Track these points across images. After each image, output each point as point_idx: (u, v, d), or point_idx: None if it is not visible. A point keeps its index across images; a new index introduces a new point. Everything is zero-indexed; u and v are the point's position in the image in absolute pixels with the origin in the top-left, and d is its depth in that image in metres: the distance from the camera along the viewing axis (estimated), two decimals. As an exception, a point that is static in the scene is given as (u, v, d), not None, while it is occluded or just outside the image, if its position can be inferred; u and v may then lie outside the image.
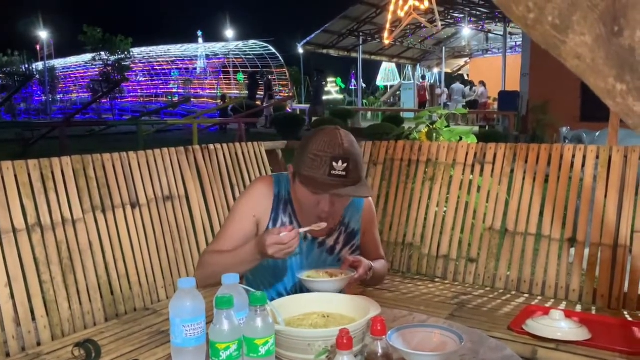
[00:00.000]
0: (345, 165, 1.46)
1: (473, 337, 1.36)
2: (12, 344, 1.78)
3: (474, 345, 1.31)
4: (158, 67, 34.92)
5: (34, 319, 1.86)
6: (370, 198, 1.79)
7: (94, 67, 28.45)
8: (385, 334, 1.15)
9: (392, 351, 1.15)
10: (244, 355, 1.05)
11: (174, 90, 33.11)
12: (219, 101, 21.51)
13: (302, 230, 1.47)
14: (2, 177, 1.87)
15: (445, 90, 22.55)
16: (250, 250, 1.48)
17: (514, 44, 21.67)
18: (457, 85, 21.08)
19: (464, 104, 18.41)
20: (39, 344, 1.85)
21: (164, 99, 30.86)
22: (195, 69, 33.53)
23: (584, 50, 0.52)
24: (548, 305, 2.20)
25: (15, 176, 1.91)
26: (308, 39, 20.82)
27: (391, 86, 31.61)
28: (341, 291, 1.55)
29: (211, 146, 2.70)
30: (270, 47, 31.35)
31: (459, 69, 30.17)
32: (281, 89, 29.36)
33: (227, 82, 32.31)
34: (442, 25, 18.87)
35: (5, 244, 1.82)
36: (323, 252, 1.69)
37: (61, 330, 1.92)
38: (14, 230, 1.86)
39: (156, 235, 2.32)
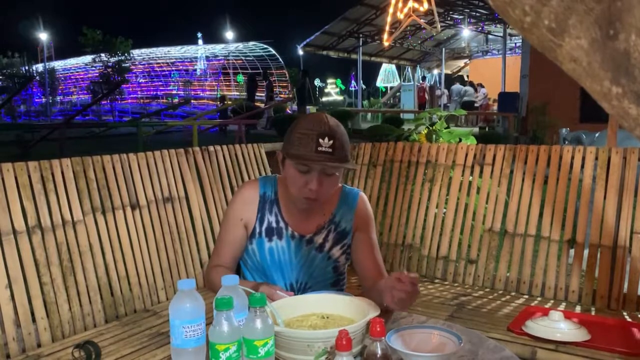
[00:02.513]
0: (331, 142, 1.51)
1: (472, 338, 1.36)
2: (12, 346, 1.78)
3: (472, 346, 1.31)
4: (158, 69, 34.96)
5: (34, 320, 1.86)
6: (367, 202, 1.78)
7: (93, 68, 28.46)
8: (385, 335, 1.15)
9: (391, 352, 1.16)
10: (243, 357, 1.05)
11: (174, 92, 33.14)
12: (218, 102, 21.51)
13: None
14: (3, 179, 1.87)
15: (445, 91, 22.55)
16: (247, 285, 1.50)
17: (513, 45, 21.71)
18: (457, 87, 21.07)
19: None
20: (39, 346, 1.85)
21: (164, 100, 30.88)
22: (195, 70, 33.56)
23: (579, 54, 0.53)
24: (547, 306, 2.20)
25: (16, 178, 1.91)
26: (308, 40, 20.85)
27: (391, 87, 31.65)
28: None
29: (211, 148, 2.70)
30: (270, 49, 31.40)
31: (459, 70, 30.20)
32: (281, 90, 29.38)
33: (227, 83, 32.33)
34: (441, 26, 18.89)
35: (6, 246, 1.82)
36: (312, 249, 1.70)
37: (61, 331, 1.92)
38: (14, 232, 1.86)
39: (156, 236, 2.32)
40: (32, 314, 1.86)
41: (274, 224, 1.69)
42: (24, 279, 1.86)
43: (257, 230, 1.68)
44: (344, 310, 1.35)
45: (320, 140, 1.50)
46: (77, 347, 1.78)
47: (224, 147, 2.78)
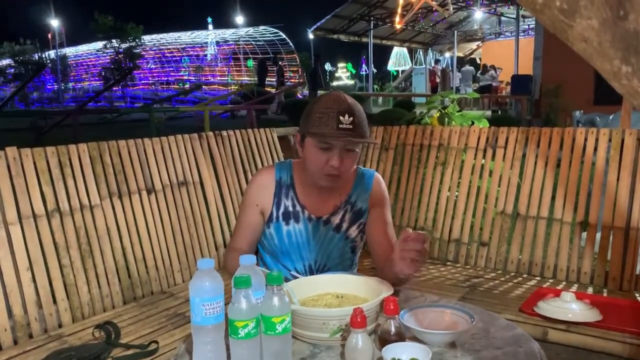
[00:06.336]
0: (351, 119, 1.55)
1: (484, 316, 1.38)
2: (35, 326, 1.83)
3: (484, 324, 1.34)
4: (169, 55, 34.98)
5: (55, 301, 1.91)
6: (382, 182, 1.80)
7: (105, 54, 28.52)
8: (398, 313, 1.18)
9: (404, 330, 1.18)
10: (261, 333, 1.09)
11: (185, 78, 33.16)
12: (231, 88, 21.50)
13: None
14: (22, 164, 1.91)
15: (459, 74, 22.32)
16: None
17: (526, 27, 21.42)
18: (465, 69, 20.75)
19: (473, 88, 18.24)
20: (60, 326, 1.90)
21: (175, 86, 30.94)
22: (205, 55, 33.52)
23: (590, 34, 0.54)
24: (559, 287, 2.21)
25: (34, 163, 1.95)
26: (318, 24, 20.72)
27: (402, 71, 31.42)
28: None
29: (224, 132, 2.73)
30: (281, 33, 31.24)
31: (471, 53, 29.92)
32: (292, 75, 29.28)
33: (238, 68, 32.29)
34: (453, 8, 18.69)
35: (26, 229, 1.87)
36: (329, 230, 1.73)
37: (81, 312, 1.97)
38: (34, 216, 1.90)
39: (172, 220, 2.36)
40: (53, 295, 1.91)
41: (290, 208, 1.72)
42: (44, 262, 1.90)
43: (275, 214, 1.72)
44: (358, 289, 1.38)
45: (341, 118, 1.54)
46: (97, 327, 1.83)
47: (237, 131, 2.80)
